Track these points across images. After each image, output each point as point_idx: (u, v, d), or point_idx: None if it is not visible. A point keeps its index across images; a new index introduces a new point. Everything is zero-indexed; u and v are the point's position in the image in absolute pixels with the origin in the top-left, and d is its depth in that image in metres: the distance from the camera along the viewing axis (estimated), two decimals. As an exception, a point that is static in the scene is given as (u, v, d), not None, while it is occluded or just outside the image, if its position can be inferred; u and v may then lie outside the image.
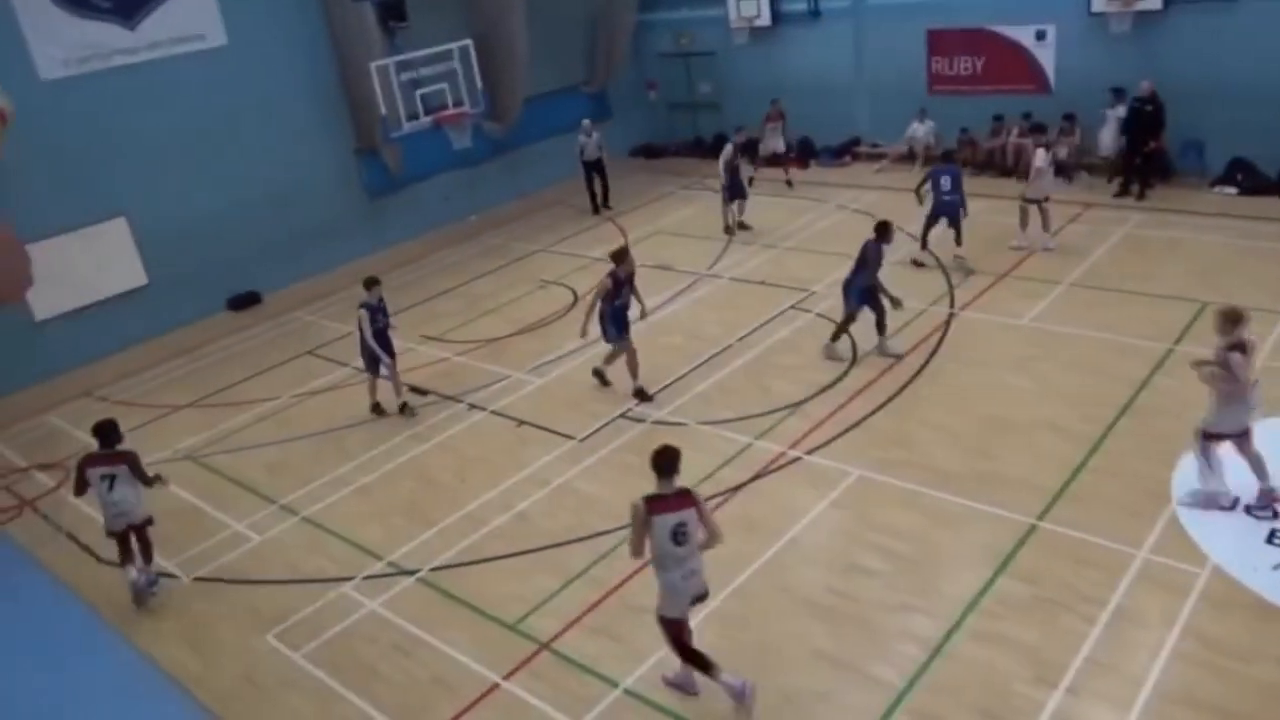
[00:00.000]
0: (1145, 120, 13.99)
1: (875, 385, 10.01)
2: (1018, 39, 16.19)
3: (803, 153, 19.02)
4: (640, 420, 9.99)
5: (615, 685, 6.48)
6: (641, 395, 10.36)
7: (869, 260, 10.40)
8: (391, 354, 10.72)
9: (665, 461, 5.75)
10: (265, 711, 6.77)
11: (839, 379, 10.25)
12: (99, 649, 7.21)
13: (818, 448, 8.99)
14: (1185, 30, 14.35)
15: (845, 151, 18.87)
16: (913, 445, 8.77)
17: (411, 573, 8.05)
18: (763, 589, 7.24)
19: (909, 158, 17.41)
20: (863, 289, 10.43)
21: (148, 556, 8.23)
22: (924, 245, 13.02)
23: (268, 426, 11.23)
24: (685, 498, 5.78)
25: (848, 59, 18.32)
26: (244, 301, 15.23)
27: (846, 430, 9.21)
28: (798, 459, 8.88)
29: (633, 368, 10.41)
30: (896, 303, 10.55)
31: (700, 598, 6.01)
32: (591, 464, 9.27)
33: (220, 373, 13.07)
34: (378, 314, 10.53)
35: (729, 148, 15.20)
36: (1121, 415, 8.83)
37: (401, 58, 15.42)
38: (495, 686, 6.64)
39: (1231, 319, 6.97)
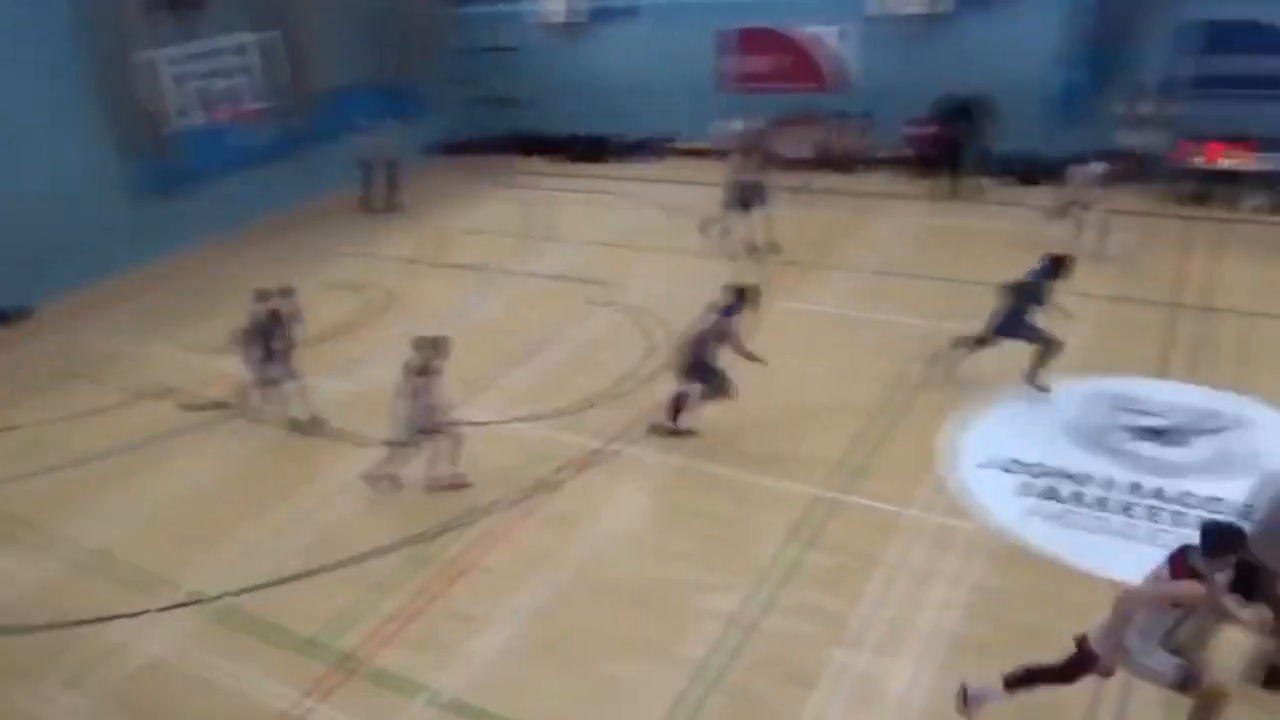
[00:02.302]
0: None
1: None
2: (807, 39, 17.22)
3: (598, 149, 19.29)
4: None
5: (438, 694, 6.31)
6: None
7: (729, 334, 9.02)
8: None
9: None
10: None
11: (645, 371, 10.47)
12: None
13: (627, 439, 9.15)
14: (969, 32, 15.89)
15: (642, 147, 19.30)
16: (718, 432, 9.10)
17: (206, 600, 7.48)
18: (574, 582, 7.29)
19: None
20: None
21: None
22: None
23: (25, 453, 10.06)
24: None
25: (644, 56, 18.78)
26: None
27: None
28: (609, 451, 9.00)
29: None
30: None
31: None
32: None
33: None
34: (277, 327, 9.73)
35: (735, 157, 13.98)
36: (899, 389, 9.66)
37: (177, 49, 14.24)
38: (307, 712, 6.29)
39: None
